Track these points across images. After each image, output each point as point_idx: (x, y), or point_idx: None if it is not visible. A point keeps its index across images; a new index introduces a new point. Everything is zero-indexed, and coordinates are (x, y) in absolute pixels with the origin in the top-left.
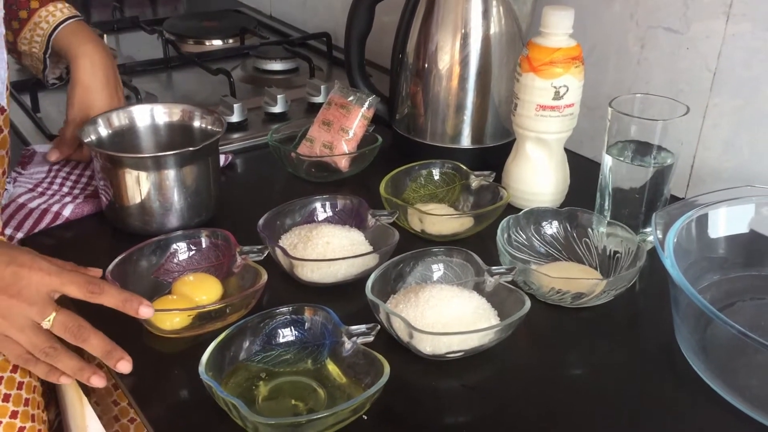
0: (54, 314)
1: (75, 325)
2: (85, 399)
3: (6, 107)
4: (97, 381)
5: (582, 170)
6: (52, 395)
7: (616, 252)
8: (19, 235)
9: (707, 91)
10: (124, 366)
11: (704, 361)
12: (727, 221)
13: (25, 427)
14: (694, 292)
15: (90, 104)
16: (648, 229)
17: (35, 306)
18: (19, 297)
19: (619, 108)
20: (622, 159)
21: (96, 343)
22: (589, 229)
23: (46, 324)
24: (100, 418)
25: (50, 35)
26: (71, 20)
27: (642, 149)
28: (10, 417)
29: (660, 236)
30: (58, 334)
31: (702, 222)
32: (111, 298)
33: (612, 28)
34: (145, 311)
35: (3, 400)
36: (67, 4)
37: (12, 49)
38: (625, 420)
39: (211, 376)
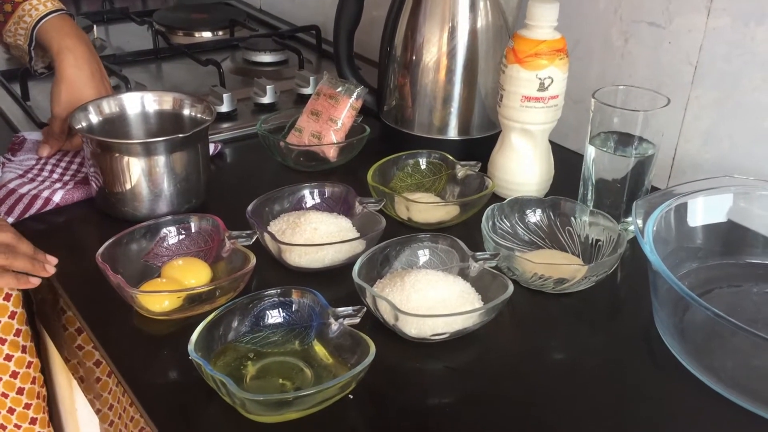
0: None
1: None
2: (74, 381)
3: None
4: (50, 268)
5: (567, 162)
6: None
7: (597, 240)
8: (10, 219)
9: (689, 84)
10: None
11: (681, 344)
12: (705, 211)
13: (31, 404)
14: (672, 276)
15: (77, 99)
16: (629, 219)
17: None
18: None
19: (602, 99)
20: (604, 149)
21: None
22: (572, 218)
23: None
24: (92, 401)
25: (33, 28)
26: (54, 14)
27: (624, 140)
28: (17, 393)
29: (640, 224)
30: None
31: (681, 211)
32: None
33: (596, 22)
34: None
35: (11, 376)
36: None
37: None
38: (604, 401)
39: (200, 355)
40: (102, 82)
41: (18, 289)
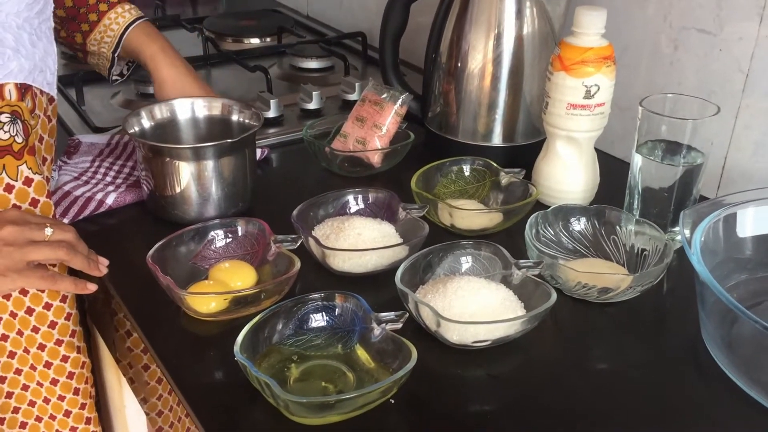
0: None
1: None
2: (123, 379)
3: (54, 97)
4: (103, 268)
5: (612, 170)
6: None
7: (643, 250)
8: (65, 221)
9: (739, 92)
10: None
11: (729, 357)
12: (755, 221)
13: (86, 404)
14: (720, 288)
15: (185, 92)
16: (676, 228)
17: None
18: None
19: (650, 107)
20: (651, 158)
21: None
22: (618, 227)
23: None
24: (141, 403)
25: (121, 36)
26: (139, 21)
27: (672, 149)
28: (74, 393)
29: (687, 234)
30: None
31: (730, 221)
32: None
33: (645, 29)
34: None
35: (67, 377)
36: (132, 6)
37: (80, 49)
38: (647, 414)
39: (245, 357)
40: (197, 76)
41: None
